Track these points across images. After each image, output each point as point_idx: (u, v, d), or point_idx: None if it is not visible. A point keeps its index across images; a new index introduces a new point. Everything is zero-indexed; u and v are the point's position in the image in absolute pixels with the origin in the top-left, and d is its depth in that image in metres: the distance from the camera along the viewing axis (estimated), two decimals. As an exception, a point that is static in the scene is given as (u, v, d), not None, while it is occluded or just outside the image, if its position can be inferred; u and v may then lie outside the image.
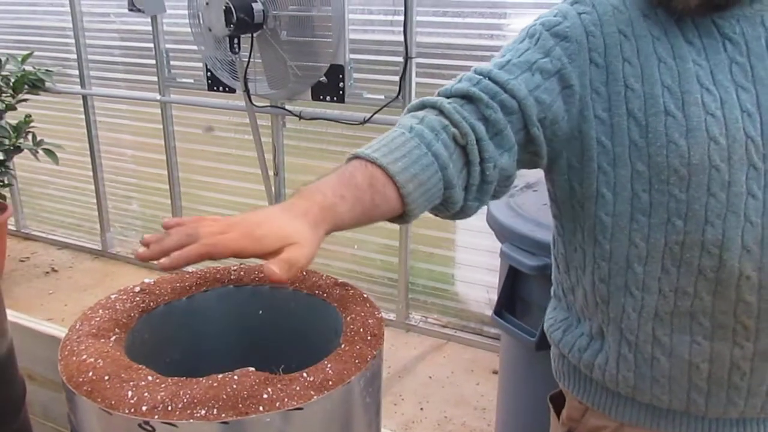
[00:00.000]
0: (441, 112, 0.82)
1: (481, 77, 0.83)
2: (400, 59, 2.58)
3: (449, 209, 0.84)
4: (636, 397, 0.93)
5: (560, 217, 0.96)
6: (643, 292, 0.86)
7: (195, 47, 2.80)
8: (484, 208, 1.84)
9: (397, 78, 2.60)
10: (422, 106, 0.84)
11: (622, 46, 0.83)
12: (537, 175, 2.03)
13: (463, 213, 0.86)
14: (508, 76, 0.82)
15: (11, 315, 1.45)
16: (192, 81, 3.14)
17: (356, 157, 0.79)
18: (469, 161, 0.81)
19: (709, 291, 0.83)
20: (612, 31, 0.83)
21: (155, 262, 0.67)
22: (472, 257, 2.82)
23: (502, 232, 1.72)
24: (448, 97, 0.84)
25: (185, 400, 0.87)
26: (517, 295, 1.74)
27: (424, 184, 0.77)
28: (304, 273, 1.27)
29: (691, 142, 0.79)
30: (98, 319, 1.09)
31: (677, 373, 0.88)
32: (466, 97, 0.82)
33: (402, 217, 0.80)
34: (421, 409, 2.47)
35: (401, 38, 2.55)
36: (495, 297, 1.81)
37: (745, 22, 0.82)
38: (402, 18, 2.53)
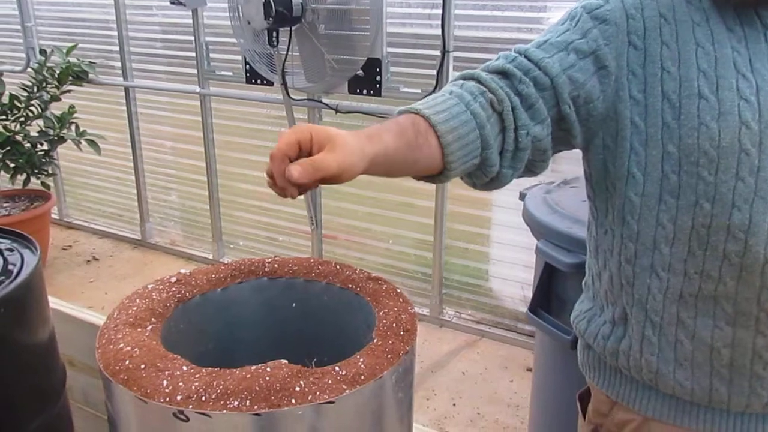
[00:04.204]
0: (479, 81, 0.85)
1: (518, 55, 0.87)
2: (438, 53, 2.57)
3: (486, 173, 0.85)
4: (659, 386, 0.92)
5: (594, 198, 0.97)
6: (669, 273, 0.87)
7: (234, 40, 2.83)
8: (521, 204, 1.84)
9: (434, 72, 2.59)
10: (462, 78, 0.89)
11: (661, 29, 0.84)
12: (574, 171, 2.01)
13: (498, 181, 0.88)
14: (543, 54, 0.85)
15: (53, 302, 1.48)
16: (231, 74, 3.18)
17: (400, 113, 0.83)
18: (505, 127, 0.83)
19: (734, 276, 0.83)
20: (653, 15, 0.84)
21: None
22: (508, 253, 2.80)
23: (538, 228, 1.70)
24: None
25: (219, 391, 0.88)
26: (552, 293, 1.72)
27: (463, 138, 0.80)
28: (338, 266, 1.27)
29: (723, 126, 0.80)
30: (135, 308, 1.11)
31: (699, 357, 0.88)
32: (502, 73, 0.86)
33: (442, 172, 0.82)
34: (454, 405, 2.46)
35: (439, 32, 2.53)
36: (530, 294, 1.80)
37: None
38: (440, 11, 2.51)
